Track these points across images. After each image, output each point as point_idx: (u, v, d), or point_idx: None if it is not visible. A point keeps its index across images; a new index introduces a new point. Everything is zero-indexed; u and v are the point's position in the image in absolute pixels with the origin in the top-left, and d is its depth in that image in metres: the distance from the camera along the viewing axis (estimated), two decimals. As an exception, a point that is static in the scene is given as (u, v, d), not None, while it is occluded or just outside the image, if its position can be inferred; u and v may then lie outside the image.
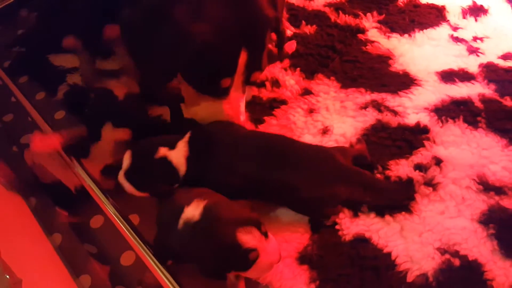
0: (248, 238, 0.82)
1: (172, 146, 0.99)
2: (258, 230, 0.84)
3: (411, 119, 1.19)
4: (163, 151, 0.98)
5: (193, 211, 0.87)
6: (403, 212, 1.01)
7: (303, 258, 0.98)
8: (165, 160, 0.97)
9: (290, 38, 1.46)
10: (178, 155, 0.98)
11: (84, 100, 1.32)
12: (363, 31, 1.48)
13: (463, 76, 1.29)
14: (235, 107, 1.09)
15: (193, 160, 0.99)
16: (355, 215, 1.03)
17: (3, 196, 1.13)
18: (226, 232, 0.82)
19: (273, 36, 1.15)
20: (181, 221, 0.87)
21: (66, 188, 1.15)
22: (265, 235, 0.86)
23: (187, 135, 1.01)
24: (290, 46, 1.43)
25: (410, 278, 0.91)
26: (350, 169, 1.02)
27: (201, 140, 1.01)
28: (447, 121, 1.17)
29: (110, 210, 1.03)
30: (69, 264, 1.06)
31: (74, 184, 1.14)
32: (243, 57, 1.01)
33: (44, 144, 1.13)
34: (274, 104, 1.29)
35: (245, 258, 0.82)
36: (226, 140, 1.03)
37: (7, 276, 0.82)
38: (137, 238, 0.98)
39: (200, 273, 0.91)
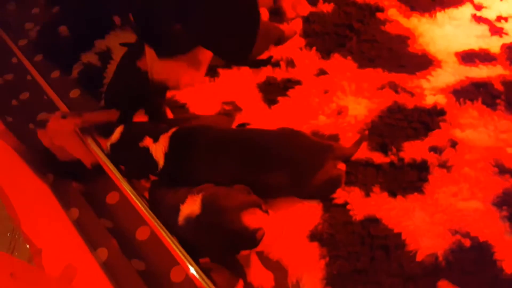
0: (252, 219, 0.84)
1: (156, 139, 1.01)
2: (260, 209, 0.86)
3: (428, 101, 1.18)
4: (147, 141, 1.01)
5: (191, 206, 0.89)
6: (416, 193, 1.01)
7: (314, 236, 0.99)
8: (147, 151, 1.00)
9: (306, 18, 1.45)
10: (157, 149, 1.00)
11: (98, 79, 1.34)
12: (382, 9, 1.45)
13: (484, 57, 1.26)
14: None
15: (171, 157, 1.00)
16: (367, 195, 1.03)
17: (23, 172, 1.17)
18: (232, 219, 0.85)
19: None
20: (180, 219, 0.90)
21: (82, 165, 1.19)
22: (267, 212, 0.88)
23: (171, 130, 1.03)
24: (297, 24, 1.42)
25: (419, 257, 0.91)
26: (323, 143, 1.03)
27: (182, 138, 1.02)
28: (465, 103, 1.15)
29: (125, 187, 1.06)
30: (86, 237, 1.09)
31: (90, 161, 1.17)
32: None
33: (61, 126, 1.16)
34: (289, 84, 1.29)
35: (253, 238, 0.84)
36: (209, 139, 1.02)
37: (28, 246, 0.85)
38: (152, 214, 1.00)
39: (210, 260, 0.94)
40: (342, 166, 1.05)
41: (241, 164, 0.98)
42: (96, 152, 1.11)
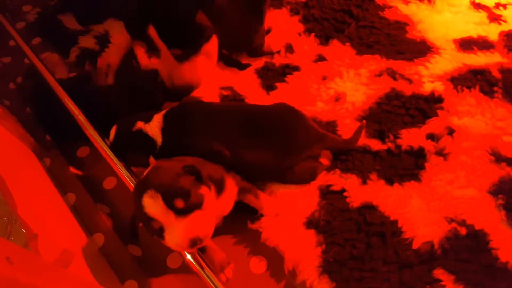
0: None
1: (148, 120, 1.05)
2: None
3: (426, 88, 1.17)
4: (139, 124, 1.05)
5: None
6: (412, 181, 1.01)
7: (310, 223, 0.99)
8: (141, 132, 1.04)
9: (305, 3, 1.43)
10: (153, 126, 1.04)
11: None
12: (380, -5, 1.43)
13: (482, 44, 1.26)
14: None
15: (168, 131, 1.04)
16: (364, 182, 1.03)
17: (20, 157, 1.16)
18: None
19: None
20: None
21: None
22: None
23: (164, 110, 1.07)
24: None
25: (415, 245, 0.92)
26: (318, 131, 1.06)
27: (177, 113, 1.06)
28: (462, 90, 1.15)
29: (123, 172, 1.05)
30: (83, 222, 1.09)
31: None
32: None
33: None
34: (287, 70, 1.28)
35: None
36: (202, 113, 1.06)
37: (24, 231, 0.85)
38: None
39: None
40: (325, 161, 1.06)
41: (237, 132, 1.01)
42: (93, 137, 1.10)
